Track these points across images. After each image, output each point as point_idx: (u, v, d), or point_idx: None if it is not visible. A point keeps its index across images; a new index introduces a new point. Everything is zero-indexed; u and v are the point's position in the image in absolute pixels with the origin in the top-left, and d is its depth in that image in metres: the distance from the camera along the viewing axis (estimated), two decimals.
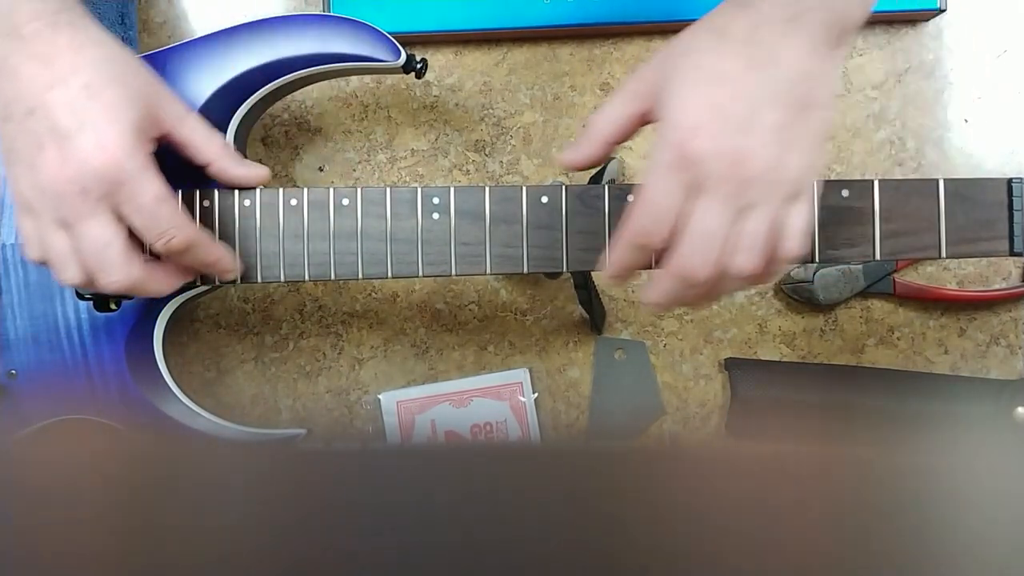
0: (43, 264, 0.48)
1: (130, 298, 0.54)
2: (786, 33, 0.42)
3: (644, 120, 0.46)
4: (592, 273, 0.59)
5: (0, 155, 0.47)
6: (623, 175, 0.64)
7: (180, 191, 0.53)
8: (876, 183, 0.50)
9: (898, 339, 0.64)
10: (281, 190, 0.53)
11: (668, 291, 0.46)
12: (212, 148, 0.50)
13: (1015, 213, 0.50)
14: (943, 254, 0.50)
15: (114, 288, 0.46)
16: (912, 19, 0.62)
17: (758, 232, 0.44)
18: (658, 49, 0.45)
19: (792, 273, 0.63)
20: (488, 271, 0.52)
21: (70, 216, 0.45)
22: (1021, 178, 0.51)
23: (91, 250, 0.45)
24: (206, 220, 0.53)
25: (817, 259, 0.50)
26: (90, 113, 0.44)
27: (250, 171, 0.52)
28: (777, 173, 0.43)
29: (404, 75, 0.55)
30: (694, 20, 0.63)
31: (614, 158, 0.63)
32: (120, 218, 0.46)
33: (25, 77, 0.44)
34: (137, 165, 0.45)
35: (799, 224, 0.45)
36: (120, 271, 0.46)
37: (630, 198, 0.51)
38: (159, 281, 0.49)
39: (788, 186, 0.43)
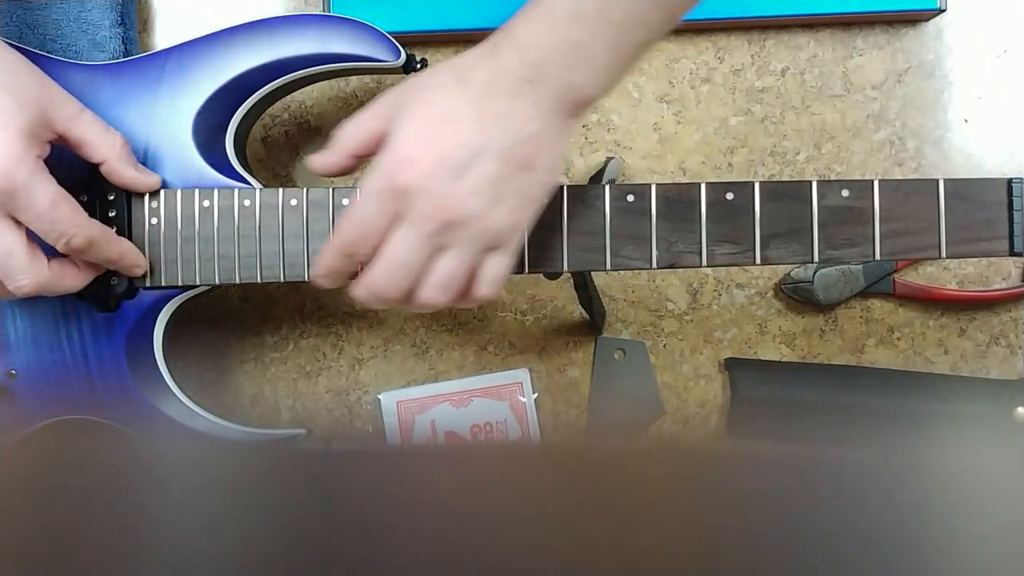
0: None
1: (131, 297, 0.54)
2: (522, 93, 0.43)
3: (382, 141, 0.47)
4: (592, 273, 0.59)
5: None
6: (623, 175, 0.64)
7: (180, 190, 0.53)
8: (876, 183, 0.50)
9: (898, 339, 0.64)
10: (281, 190, 0.53)
11: (361, 298, 0.48)
12: (105, 147, 0.50)
13: (1015, 213, 0.50)
14: (943, 254, 0.50)
15: (24, 292, 0.47)
16: (912, 19, 0.62)
17: (449, 272, 0.45)
18: (420, 74, 0.46)
19: (792, 273, 0.63)
20: None
21: None
22: (1021, 178, 0.51)
23: None
24: (205, 220, 0.53)
25: (817, 259, 0.50)
26: None
27: (140, 176, 0.52)
28: (480, 223, 0.44)
29: (404, 75, 0.55)
30: (693, 20, 0.63)
31: (613, 157, 0.63)
32: (19, 224, 0.46)
33: None
34: (27, 172, 0.45)
35: (494, 273, 0.47)
36: (26, 275, 0.47)
37: (631, 198, 0.51)
38: (70, 278, 0.49)
39: (489, 237, 0.45)
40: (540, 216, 0.51)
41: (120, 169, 0.51)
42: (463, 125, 0.43)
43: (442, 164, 0.43)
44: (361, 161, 0.49)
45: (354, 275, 0.48)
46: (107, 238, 0.50)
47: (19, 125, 0.45)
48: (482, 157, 0.43)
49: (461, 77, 0.44)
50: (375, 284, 0.46)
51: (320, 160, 0.49)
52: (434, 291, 0.46)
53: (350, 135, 0.48)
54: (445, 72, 0.45)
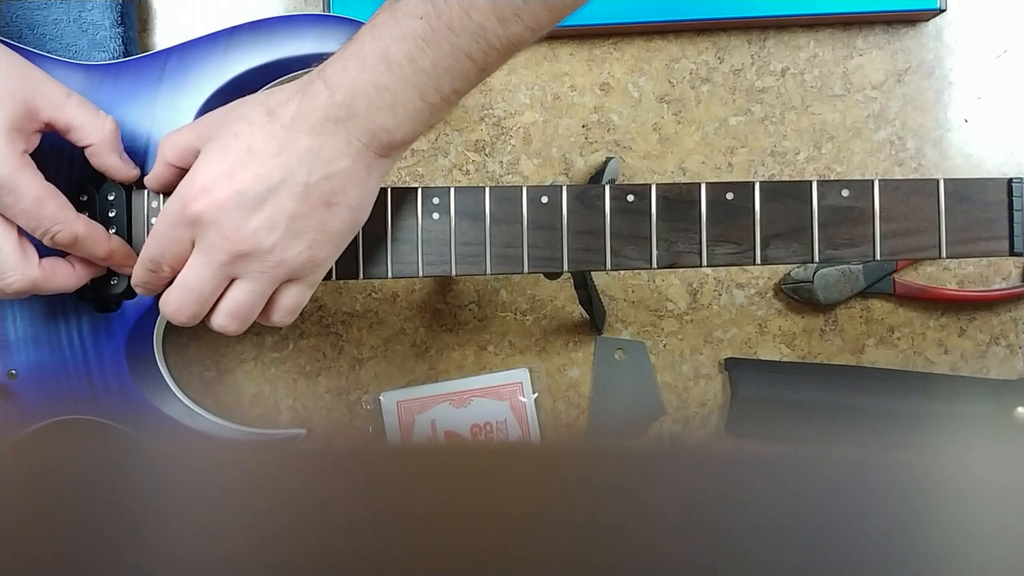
0: None
1: (131, 297, 0.54)
2: (328, 131, 0.44)
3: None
4: (592, 273, 0.59)
5: None
6: (623, 175, 0.64)
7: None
8: (876, 183, 0.50)
9: (898, 339, 0.64)
10: None
11: (162, 313, 0.48)
12: (94, 131, 0.50)
13: (1015, 213, 0.50)
14: (943, 254, 0.50)
15: (15, 289, 0.47)
16: (912, 19, 0.62)
17: (241, 301, 0.46)
18: (240, 101, 0.47)
19: (792, 273, 0.63)
20: (488, 271, 0.52)
21: None
22: (1021, 178, 0.51)
23: None
24: None
25: (817, 259, 0.50)
26: None
27: (122, 165, 0.51)
28: (273, 256, 0.45)
29: None
30: (694, 20, 0.63)
31: (613, 157, 0.63)
32: (9, 221, 0.46)
33: None
34: (10, 169, 0.45)
35: (290, 304, 0.48)
36: (15, 271, 0.47)
37: (630, 198, 0.51)
38: (63, 277, 0.49)
39: (283, 270, 0.45)
40: (540, 216, 0.51)
41: (103, 153, 0.50)
42: (264, 160, 0.44)
43: (236, 197, 0.44)
44: (181, 172, 0.49)
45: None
46: (95, 235, 0.49)
47: (2, 119, 0.45)
48: (279, 192, 0.44)
49: (271, 112, 0.45)
50: (167, 306, 0.47)
51: (148, 178, 0.51)
52: (224, 318, 0.47)
53: (168, 146, 0.49)
54: (257, 106, 0.45)
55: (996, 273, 0.63)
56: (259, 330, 0.66)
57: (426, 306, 0.65)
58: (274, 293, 0.47)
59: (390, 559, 0.15)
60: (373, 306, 0.66)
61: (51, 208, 0.47)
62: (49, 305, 0.55)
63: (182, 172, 0.48)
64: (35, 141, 0.48)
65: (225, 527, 0.16)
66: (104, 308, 0.55)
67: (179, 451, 0.23)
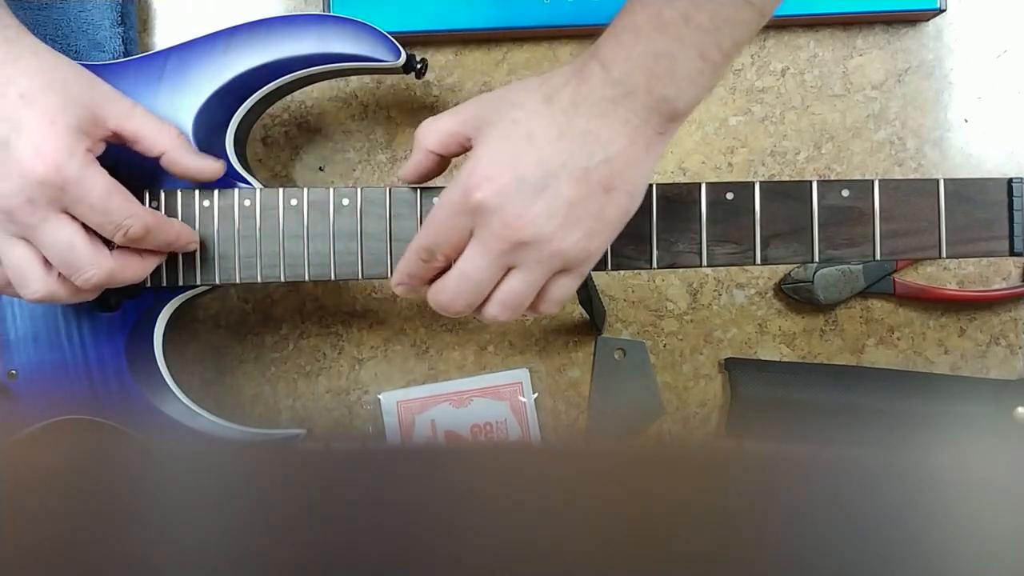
0: (2, 290, 0.48)
1: (131, 297, 0.54)
2: (607, 112, 0.42)
3: (466, 146, 0.47)
4: (592, 273, 0.59)
5: None
6: None
7: (180, 190, 0.53)
8: (876, 183, 0.50)
9: (898, 339, 0.64)
10: (281, 190, 0.53)
11: (431, 302, 0.48)
12: (163, 138, 0.50)
13: (1015, 213, 0.50)
14: (943, 254, 0.50)
15: (92, 283, 0.47)
16: (912, 19, 0.62)
17: (516, 291, 0.45)
18: (510, 87, 0.46)
19: (792, 273, 0.63)
20: None
21: (24, 228, 0.45)
22: (1021, 178, 0.51)
23: (57, 253, 0.46)
24: (206, 220, 0.53)
25: (817, 259, 0.50)
26: (26, 120, 0.44)
27: (204, 163, 0.51)
28: (551, 246, 0.43)
29: (404, 75, 0.55)
30: None
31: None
32: (75, 217, 0.46)
33: None
34: (77, 165, 0.45)
35: (560, 295, 0.46)
36: (92, 265, 0.46)
37: None
38: (134, 268, 0.49)
39: (559, 260, 0.44)
40: None
41: (180, 159, 0.50)
42: (544, 145, 0.43)
43: (518, 184, 0.42)
44: (444, 161, 0.49)
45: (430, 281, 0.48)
46: (162, 222, 0.49)
47: (67, 121, 0.45)
48: (559, 178, 0.43)
49: (547, 97, 0.43)
50: (441, 296, 0.46)
51: (406, 169, 0.50)
52: (498, 308, 0.46)
53: (432, 132, 0.48)
54: (534, 91, 0.44)
55: (996, 273, 0.63)
56: (259, 330, 0.66)
57: (426, 306, 0.65)
58: (545, 284, 0.46)
59: (389, 559, 0.15)
60: (373, 306, 0.65)
61: (119, 201, 0.46)
62: (49, 305, 0.55)
63: (443, 160, 0.48)
64: (100, 148, 0.47)
65: (224, 527, 0.16)
66: (104, 308, 0.55)
67: (178, 451, 0.23)
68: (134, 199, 0.47)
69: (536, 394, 0.65)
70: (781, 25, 0.63)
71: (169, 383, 0.56)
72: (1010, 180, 0.51)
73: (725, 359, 0.64)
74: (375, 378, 0.65)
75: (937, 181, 0.50)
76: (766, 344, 0.64)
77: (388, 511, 0.17)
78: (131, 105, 0.49)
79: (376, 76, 0.65)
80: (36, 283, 0.47)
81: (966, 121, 0.63)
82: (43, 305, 0.55)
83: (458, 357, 0.65)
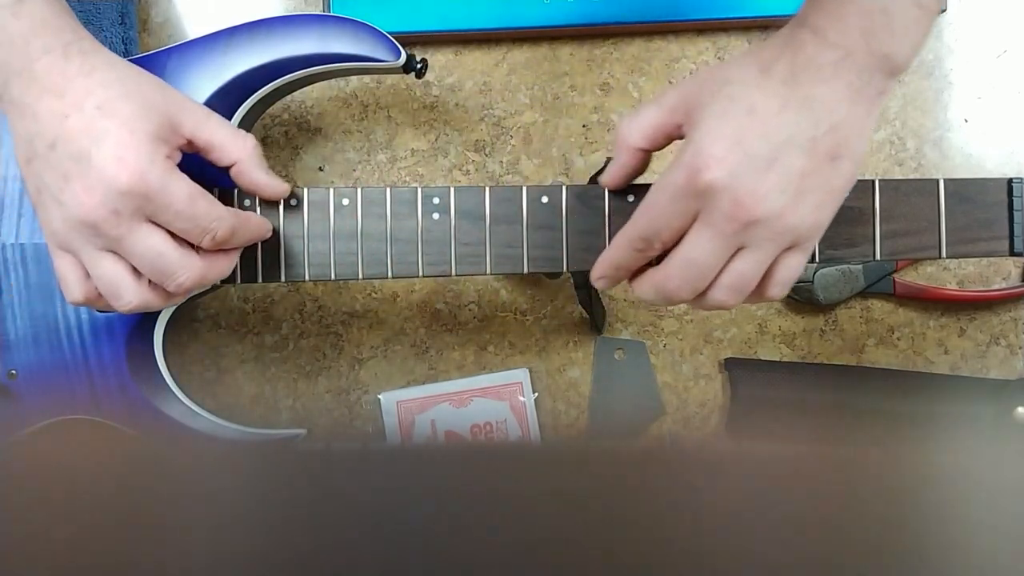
0: (88, 304, 0.47)
1: None
2: (827, 78, 0.41)
3: (675, 134, 0.46)
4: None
5: (32, 202, 0.46)
6: None
7: None
8: (876, 183, 0.50)
9: (898, 339, 0.64)
10: None
11: (646, 294, 0.47)
12: (236, 149, 0.49)
13: (1015, 213, 0.50)
14: (943, 254, 0.50)
15: (184, 288, 0.46)
16: None
17: (745, 273, 0.44)
18: (702, 68, 0.45)
19: None
20: (488, 271, 0.52)
21: (111, 240, 0.44)
22: (1021, 178, 0.51)
23: (147, 263, 0.45)
24: None
25: (817, 259, 0.50)
26: (105, 131, 0.43)
27: (273, 181, 0.50)
28: (782, 222, 0.42)
29: (404, 75, 0.55)
30: (694, 20, 0.63)
31: (612, 157, 0.63)
32: (155, 226, 0.45)
33: (42, 112, 0.43)
34: (160, 172, 0.44)
35: (788, 275, 0.45)
36: (184, 269, 0.46)
37: (630, 198, 0.51)
38: (220, 266, 0.48)
39: (790, 236, 0.43)
40: (540, 216, 0.51)
41: (250, 171, 0.49)
42: (768, 119, 0.41)
43: (748, 161, 0.41)
44: (649, 157, 0.47)
45: (633, 272, 0.47)
46: (243, 221, 0.48)
47: (146, 129, 0.44)
48: (787, 151, 0.41)
49: (763, 69, 0.42)
50: (668, 284, 0.45)
51: (609, 174, 0.49)
52: (726, 292, 0.45)
53: (636, 128, 0.47)
54: (745, 64, 0.43)
55: (996, 273, 0.63)
56: (259, 330, 0.66)
57: (426, 306, 0.65)
58: (772, 264, 0.44)
59: (389, 559, 0.15)
60: (373, 306, 0.66)
61: (204, 206, 0.45)
62: (49, 305, 0.55)
63: (648, 157, 0.47)
64: (177, 156, 0.47)
65: (224, 527, 0.16)
66: (104, 308, 0.55)
67: (178, 451, 0.23)
68: (217, 201, 0.47)
69: (536, 394, 0.65)
70: (781, 25, 0.63)
71: (169, 383, 0.56)
72: (1010, 180, 0.51)
73: (725, 359, 0.64)
74: (375, 378, 0.65)
75: (937, 181, 0.50)
76: (766, 344, 0.64)
77: (388, 511, 0.17)
78: (206, 113, 0.48)
79: (376, 76, 0.65)
80: (129, 294, 0.46)
81: (966, 121, 0.63)
82: (43, 305, 0.55)
83: (458, 357, 0.65)
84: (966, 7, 0.63)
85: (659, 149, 0.47)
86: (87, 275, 0.46)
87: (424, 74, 0.55)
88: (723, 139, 0.42)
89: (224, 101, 0.54)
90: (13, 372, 0.55)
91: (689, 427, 0.64)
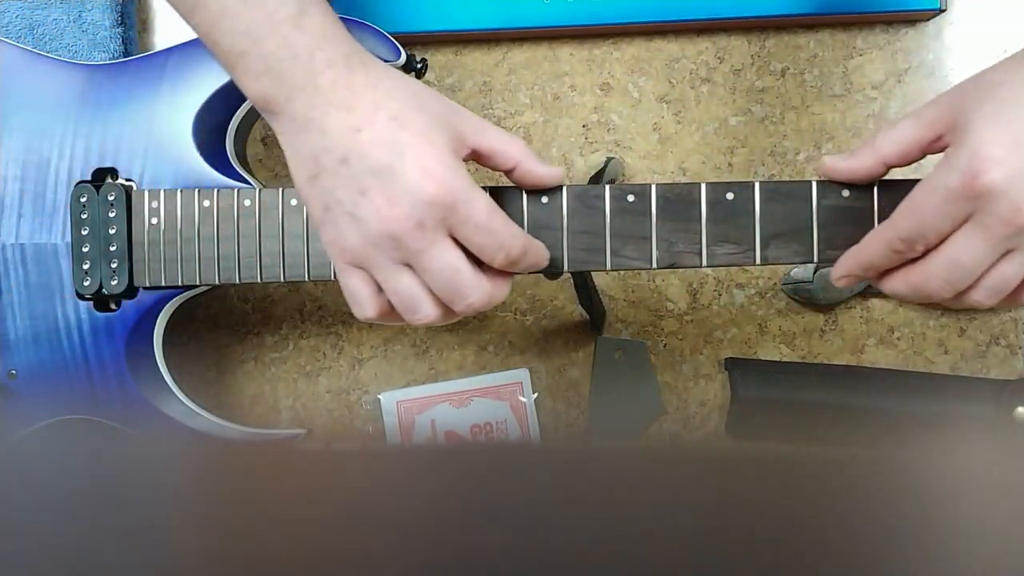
0: (379, 320, 0.46)
1: (131, 297, 0.54)
2: None
3: (932, 148, 0.45)
4: (592, 273, 0.59)
5: (311, 217, 0.45)
6: (623, 175, 0.64)
7: (180, 190, 0.53)
8: (876, 183, 0.50)
9: (898, 339, 0.64)
10: (281, 190, 0.53)
11: (897, 292, 0.46)
12: (513, 152, 0.47)
13: None
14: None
15: (475, 308, 0.45)
16: (912, 19, 0.62)
17: (1008, 276, 0.43)
18: (962, 81, 0.44)
19: (792, 273, 0.63)
20: None
21: (410, 253, 0.43)
22: None
23: (442, 280, 0.44)
24: (205, 220, 0.53)
25: (817, 259, 0.50)
26: (406, 144, 0.42)
27: (551, 171, 0.49)
28: None
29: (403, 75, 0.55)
30: (694, 20, 0.63)
31: (613, 157, 0.63)
32: (455, 243, 0.44)
33: (331, 127, 0.43)
34: (464, 184, 0.43)
35: None
36: (476, 291, 0.45)
37: (631, 198, 0.51)
38: (502, 290, 0.47)
39: None
40: (540, 216, 0.51)
41: (532, 169, 0.48)
42: None
43: None
44: (886, 169, 0.47)
45: (882, 272, 0.47)
46: (533, 243, 0.47)
47: (443, 140, 0.44)
48: None
49: None
50: (928, 284, 0.44)
51: (846, 163, 0.48)
52: (985, 294, 0.44)
53: (892, 141, 0.46)
54: (1013, 68, 0.42)
55: None
56: (259, 330, 0.66)
57: None
58: None
59: (387, 559, 0.15)
60: None
61: (501, 221, 0.45)
62: (49, 305, 0.55)
63: (887, 168, 0.47)
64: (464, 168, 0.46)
65: (224, 527, 0.16)
66: (104, 308, 0.55)
67: (177, 451, 0.23)
68: (510, 220, 0.46)
69: (536, 394, 0.65)
70: (781, 25, 0.63)
71: (169, 383, 0.56)
72: None
73: (725, 359, 0.64)
74: (375, 378, 0.65)
75: None
76: (766, 344, 0.64)
77: (387, 511, 0.17)
78: (481, 120, 0.47)
79: None
80: (426, 308, 0.45)
81: None
82: (43, 305, 0.55)
83: (458, 357, 0.65)
84: (966, 7, 0.63)
85: (908, 164, 0.47)
86: (379, 290, 0.45)
87: (424, 74, 0.55)
88: (1001, 141, 0.41)
89: (224, 101, 0.54)
90: (13, 372, 0.55)
91: (689, 427, 0.64)
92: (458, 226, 0.44)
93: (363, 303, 0.46)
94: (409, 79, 0.46)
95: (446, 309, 0.46)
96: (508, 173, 0.48)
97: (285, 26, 0.43)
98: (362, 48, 0.45)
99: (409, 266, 0.44)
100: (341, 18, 0.54)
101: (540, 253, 0.48)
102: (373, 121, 0.43)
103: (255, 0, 0.43)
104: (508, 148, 0.47)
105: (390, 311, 0.46)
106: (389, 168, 0.42)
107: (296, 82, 0.43)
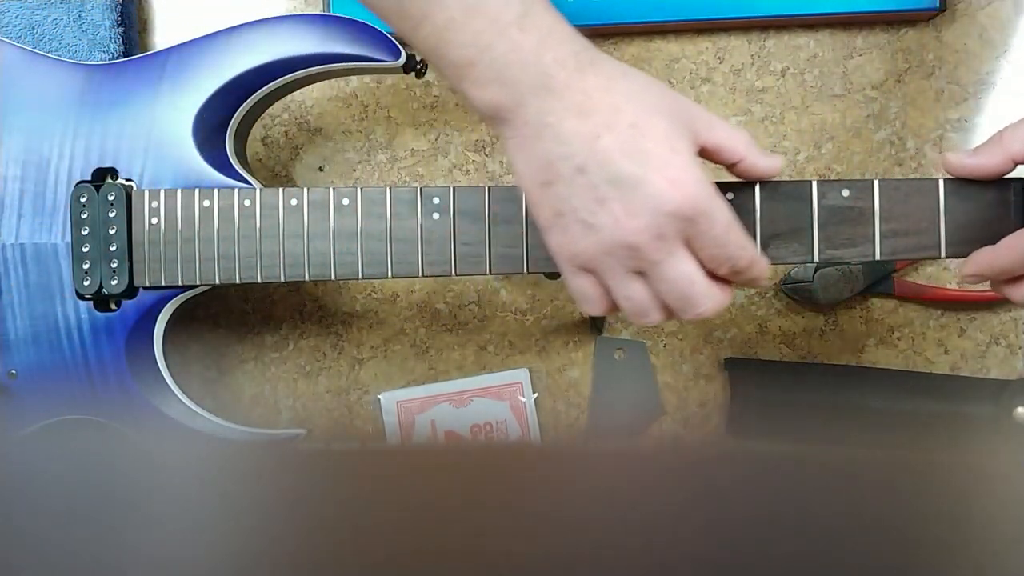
0: (606, 314, 0.46)
1: (131, 297, 0.54)
2: None
3: None
4: None
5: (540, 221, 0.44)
6: None
7: (180, 190, 0.53)
8: (876, 183, 0.50)
9: (898, 339, 0.64)
10: (281, 190, 0.53)
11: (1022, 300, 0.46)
12: (740, 145, 0.46)
13: (1015, 213, 0.50)
14: (943, 254, 0.50)
15: (705, 316, 0.44)
16: (912, 19, 0.62)
17: None
18: None
19: (792, 273, 0.63)
20: (488, 271, 0.52)
21: (647, 264, 0.42)
22: (1021, 178, 0.51)
23: (676, 290, 0.43)
24: (205, 220, 0.53)
25: (817, 259, 0.50)
26: (649, 153, 0.41)
27: (773, 160, 0.47)
28: None
29: (404, 75, 0.55)
30: (694, 20, 0.63)
31: None
32: (689, 253, 0.43)
33: (567, 133, 0.41)
34: (709, 194, 0.42)
35: None
36: (709, 300, 0.44)
37: None
38: (729, 296, 0.46)
39: None
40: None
41: (755, 162, 0.46)
42: None
43: None
44: (1016, 166, 0.47)
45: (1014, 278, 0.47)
46: (759, 257, 0.46)
47: (685, 146, 0.42)
48: None
49: None
50: None
51: (970, 158, 0.48)
52: None
53: (1022, 139, 0.46)
54: None
55: None
56: (259, 330, 0.66)
57: (426, 306, 0.65)
58: None
59: (386, 559, 0.15)
60: (373, 306, 0.65)
61: (737, 233, 0.43)
62: (49, 305, 0.55)
63: (1015, 165, 0.46)
64: None
65: (223, 527, 0.16)
66: (104, 308, 0.55)
67: (177, 451, 0.23)
68: (744, 229, 0.44)
69: (536, 394, 0.65)
70: (781, 25, 0.63)
71: (169, 383, 0.56)
72: (1011, 180, 0.51)
73: (725, 359, 0.64)
74: (375, 378, 0.65)
75: (937, 181, 0.50)
76: (766, 344, 0.64)
77: (386, 511, 0.17)
78: (709, 115, 0.45)
79: (376, 76, 0.65)
80: (655, 314, 0.44)
81: (966, 121, 0.63)
82: (43, 305, 0.55)
83: (458, 357, 0.65)
84: (966, 7, 0.63)
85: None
86: (606, 292, 0.45)
87: (424, 74, 0.55)
88: None
89: (224, 101, 0.54)
90: (13, 372, 0.55)
91: (689, 427, 0.64)
92: (697, 237, 0.42)
93: (592, 303, 0.45)
94: (639, 74, 0.44)
95: (669, 315, 0.45)
96: (731, 167, 0.47)
97: (512, 29, 0.41)
98: (588, 43, 0.43)
99: (641, 273, 0.43)
100: (340, 17, 0.54)
101: (763, 267, 0.47)
102: (612, 128, 0.41)
103: (478, 7, 0.41)
104: (736, 142, 0.45)
105: (610, 307, 0.45)
106: (632, 179, 0.41)
107: (526, 87, 0.41)
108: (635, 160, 0.41)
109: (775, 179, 0.49)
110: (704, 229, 0.42)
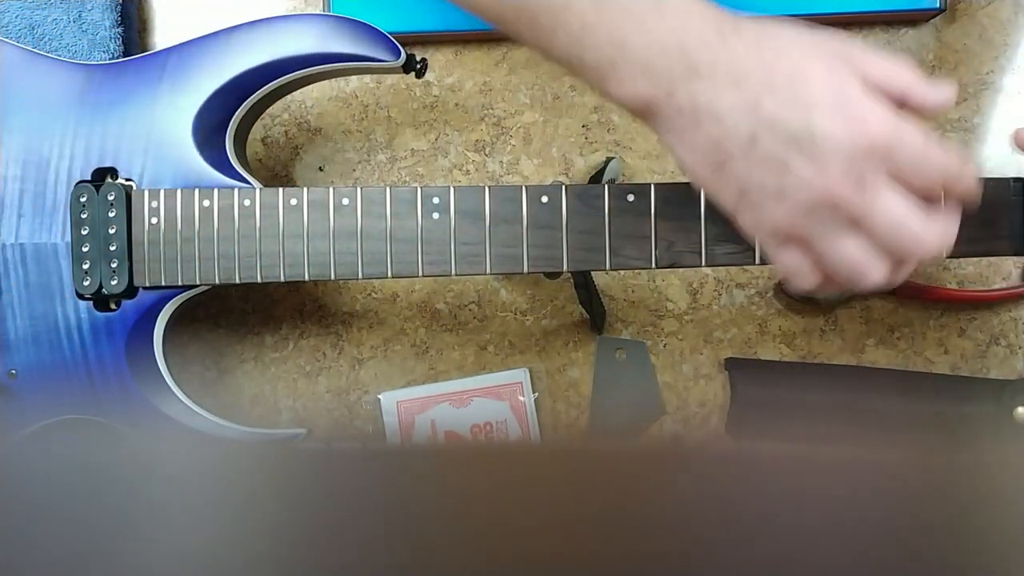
0: (823, 288, 0.43)
1: (131, 297, 0.54)
2: None
3: None
4: (592, 273, 0.59)
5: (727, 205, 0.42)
6: (623, 175, 0.64)
7: (180, 190, 0.53)
8: None
9: (898, 339, 0.64)
10: (281, 190, 0.53)
11: None
12: (905, 74, 0.41)
13: (1016, 213, 0.50)
14: (943, 254, 0.50)
15: (927, 257, 0.41)
16: (912, 19, 0.62)
17: None
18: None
19: None
20: (488, 271, 0.52)
21: (856, 213, 0.39)
22: (1022, 178, 0.51)
23: (895, 234, 0.40)
24: (205, 220, 0.53)
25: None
26: (816, 100, 0.38)
27: (939, 90, 0.42)
28: None
29: (404, 75, 0.55)
30: None
31: (613, 157, 0.63)
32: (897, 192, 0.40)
33: (725, 108, 0.39)
34: (891, 119, 0.39)
35: None
36: (933, 234, 0.40)
37: (631, 197, 0.51)
38: (952, 228, 0.42)
39: None
40: (540, 216, 0.51)
41: (924, 91, 0.41)
42: None
43: None
44: None
45: None
46: (967, 161, 0.42)
47: (850, 81, 0.39)
48: None
49: None
50: None
51: None
52: None
53: None
54: None
55: (996, 273, 0.63)
56: (259, 330, 0.66)
57: (426, 306, 0.65)
58: None
59: (386, 559, 0.15)
60: (373, 306, 0.65)
61: (935, 149, 0.39)
62: (49, 305, 0.55)
63: None
64: None
65: (224, 527, 0.16)
66: (104, 308, 0.55)
67: (177, 451, 0.23)
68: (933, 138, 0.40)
69: (536, 394, 0.65)
70: None
71: (169, 383, 0.56)
72: (1012, 179, 0.51)
73: (725, 359, 0.64)
74: (375, 378, 0.65)
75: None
76: (766, 344, 0.64)
77: (385, 511, 0.17)
78: (864, 49, 0.41)
79: (376, 76, 0.65)
80: (878, 271, 0.41)
81: (966, 121, 0.63)
82: (43, 305, 0.55)
83: (458, 357, 0.65)
84: (966, 7, 0.63)
85: None
86: (817, 261, 0.42)
87: (424, 74, 0.55)
88: None
89: (224, 101, 0.54)
90: (13, 372, 0.55)
91: (689, 427, 0.64)
92: (899, 169, 0.39)
93: (804, 276, 0.42)
94: (784, 25, 0.41)
95: (895, 265, 0.41)
96: (901, 105, 0.41)
97: (649, 17, 0.39)
98: (726, 12, 0.40)
99: (851, 229, 0.40)
100: (340, 17, 0.54)
101: (972, 173, 0.42)
102: (771, 87, 0.39)
103: (609, 3, 0.39)
104: (901, 70, 0.41)
105: (829, 280, 0.42)
106: (808, 131, 0.38)
107: (674, 74, 0.39)
108: (805, 111, 0.38)
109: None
110: (903, 157, 0.39)
